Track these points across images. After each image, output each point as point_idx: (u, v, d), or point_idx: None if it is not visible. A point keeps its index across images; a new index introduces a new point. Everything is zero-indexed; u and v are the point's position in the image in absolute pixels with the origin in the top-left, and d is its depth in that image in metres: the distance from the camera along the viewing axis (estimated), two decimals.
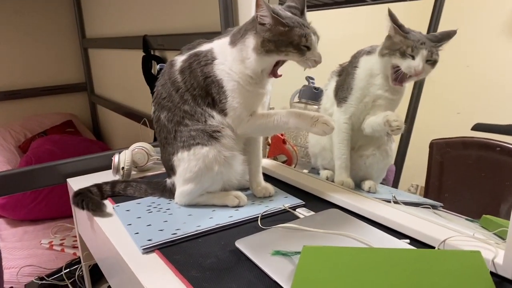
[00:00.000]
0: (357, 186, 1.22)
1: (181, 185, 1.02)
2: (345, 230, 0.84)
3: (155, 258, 0.83)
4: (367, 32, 1.29)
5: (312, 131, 0.96)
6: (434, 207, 1.15)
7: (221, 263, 0.80)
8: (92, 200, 1.04)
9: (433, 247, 0.79)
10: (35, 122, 3.13)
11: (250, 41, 0.91)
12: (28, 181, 1.31)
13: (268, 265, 0.76)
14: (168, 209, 1.03)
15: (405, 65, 0.99)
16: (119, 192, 1.14)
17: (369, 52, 1.12)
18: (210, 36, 1.04)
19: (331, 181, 1.21)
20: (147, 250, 0.85)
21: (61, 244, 1.98)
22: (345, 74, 1.20)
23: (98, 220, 1.02)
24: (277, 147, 1.34)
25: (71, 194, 1.21)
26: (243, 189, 1.10)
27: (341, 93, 1.19)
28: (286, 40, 0.89)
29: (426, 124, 1.45)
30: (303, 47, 0.90)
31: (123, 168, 1.25)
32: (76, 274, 1.48)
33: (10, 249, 1.96)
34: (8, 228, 2.24)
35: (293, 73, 1.75)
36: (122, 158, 1.26)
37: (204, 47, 0.99)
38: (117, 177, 1.26)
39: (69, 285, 1.51)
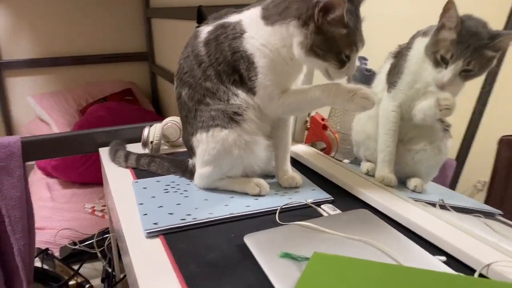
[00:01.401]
0: (402, 183, 1.08)
1: (200, 167, 0.94)
2: (370, 236, 0.73)
3: (157, 244, 0.77)
4: (433, 11, 1.13)
5: (349, 107, 0.85)
6: (491, 214, 1.00)
7: (224, 258, 0.72)
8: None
9: (473, 271, 0.65)
10: (96, 88, 3.22)
11: (296, 32, 0.81)
12: (62, 147, 1.31)
13: (272, 268, 0.67)
14: (186, 190, 0.96)
15: (435, 76, 0.90)
16: (142, 166, 1.10)
17: (425, 33, 0.97)
18: None
19: (371, 175, 1.09)
20: (151, 235, 0.79)
21: (102, 210, 2.02)
22: (399, 56, 1.06)
23: (114, 194, 0.98)
24: (316, 132, 1.22)
25: (102, 164, 1.19)
26: (268, 176, 1.01)
27: (392, 77, 1.05)
28: (335, 47, 0.79)
29: (496, 118, 1.26)
30: (345, 58, 0.81)
31: (151, 142, 1.20)
32: (106, 243, 1.49)
33: (57, 210, 2.03)
34: (59, 189, 2.33)
35: None
36: (152, 132, 1.21)
37: (232, 18, 0.89)
38: (146, 151, 1.22)
39: (98, 254, 1.52)
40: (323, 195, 0.93)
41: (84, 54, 3.26)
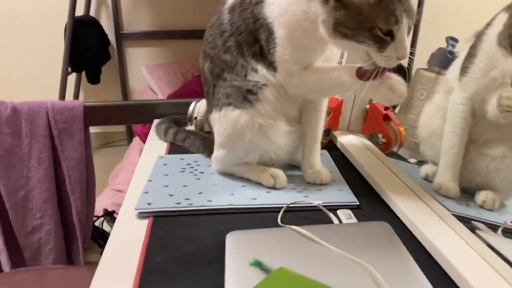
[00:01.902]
0: (470, 194, 0.87)
1: (216, 149, 0.86)
2: (372, 258, 0.57)
3: (141, 226, 0.71)
4: None
5: (374, 97, 0.69)
6: None
7: (197, 255, 0.64)
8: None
9: None
10: None
11: (318, 9, 0.67)
12: (121, 115, 1.34)
13: (234, 275, 0.56)
14: (202, 172, 0.89)
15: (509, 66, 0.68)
16: (178, 141, 1.06)
17: (509, 7, 0.74)
18: None
19: (431, 181, 0.89)
20: (142, 215, 0.74)
21: None
22: (479, 36, 0.83)
23: (138, 167, 0.95)
24: (375, 123, 1.04)
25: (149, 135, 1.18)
26: (297, 167, 0.88)
27: (465, 62, 0.84)
28: (365, 23, 0.63)
29: None
30: (384, 36, 0.63)
31: (195, 118, 1.15)
32: None
33: None
34: None
35: (426, 29, 1.36)
36: (198, 107, 1.16)
37: None
38: (192, 127, 1.18)
39: None
40: (347, 198, 0.78)
41: (194, 28, 3.36)
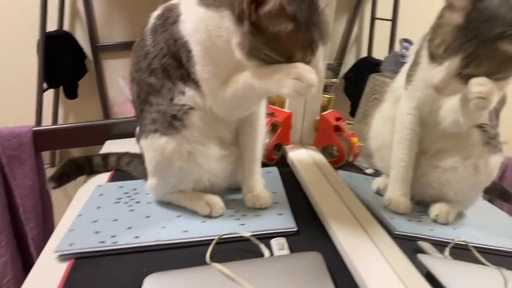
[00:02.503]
0: (425, 207, 0.81)
1: (149, 177, 0.81)
2: None
3: (60, 270, 0.66)
4: None
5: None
6: None
7: None
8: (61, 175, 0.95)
9: None
10: None
11: (232, 29, 0.61)
12: (72, 138, 1.28)
13: None
14: (138, 202, 0.83)
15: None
16: (123, 166, 1.00)
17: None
18: None
19: (382, 195, 0.84)
20: (63, 258, 0.69)
21: None
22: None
23: (74, 199, 0.90)
24: (326, 135, 0.99)
25: None
26: (239, 189, 0.83)
27: (410, 69, 0.79)
28: (283, 49, 0.59)
29: None
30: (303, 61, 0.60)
31: None
32: None
33: None
34: None
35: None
36: None
37: None
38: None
39: None
40: (286, 224, 0.72)
41: None
